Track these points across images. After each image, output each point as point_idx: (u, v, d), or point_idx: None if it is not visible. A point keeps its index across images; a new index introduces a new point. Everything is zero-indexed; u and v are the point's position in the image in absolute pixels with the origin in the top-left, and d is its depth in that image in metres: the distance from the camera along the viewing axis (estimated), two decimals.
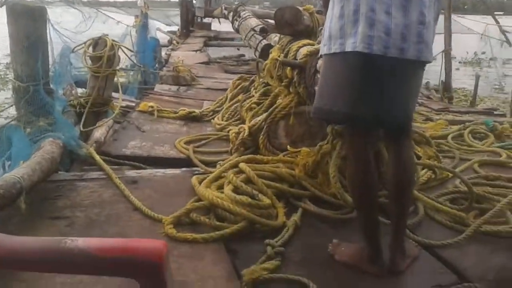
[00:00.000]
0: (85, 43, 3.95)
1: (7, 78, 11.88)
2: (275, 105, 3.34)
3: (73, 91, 4.57)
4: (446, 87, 9.07)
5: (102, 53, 3.85)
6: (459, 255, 2.30)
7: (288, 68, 3.02)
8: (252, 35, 5.50)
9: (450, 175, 3.07)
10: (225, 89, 5.30)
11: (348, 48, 1.92)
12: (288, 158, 2.97)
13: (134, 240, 1.08)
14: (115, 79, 4.51)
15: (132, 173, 3.02)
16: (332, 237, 2.36)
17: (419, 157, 3.13)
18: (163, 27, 18.04)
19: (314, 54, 2.87)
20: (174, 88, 6.27)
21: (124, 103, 4.84)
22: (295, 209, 2.62)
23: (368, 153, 2.09)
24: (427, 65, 2.06)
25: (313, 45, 3.09)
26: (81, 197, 2.62)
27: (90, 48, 3.95)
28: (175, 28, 18.08)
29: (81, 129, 3.62)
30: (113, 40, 4.04)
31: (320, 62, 2.58)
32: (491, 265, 2.25)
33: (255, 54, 5.01)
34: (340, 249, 2.26)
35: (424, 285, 2.07)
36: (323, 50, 2.08)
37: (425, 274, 2.15)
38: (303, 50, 3.03)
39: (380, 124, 2.15)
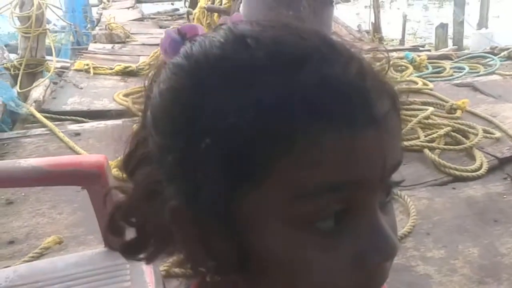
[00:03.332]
0: (11, 3, 3.89)
1: None
2: None
3: (5, 54, 4.50)
4: (375, 28, 9.44)
5: (30, 13, 3.81)
6: None
7: (216, 14, 3.18)
8: None
9: None
10: None
11: None
12: None
13: (79, 155, 1.27)
14: (47, 40, 4.47)
15: (74, 126, 3.13)
16: None
17: None
18: None
19: None
20: (108, 46, 6.22)
21: (59, 64, 4.81)
22: None
23: None
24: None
25: None
26: (27, 152, 2.73)
27: (17, 9, 3.89)
28: None
29: (18, 90, 3.64)
30: None
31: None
32: (404, 174, 2.59)
33: (185, 4, 5.07)
34: None
35: None
36: None
37: None
38: None
39: None
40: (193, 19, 3.78)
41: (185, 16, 5.40)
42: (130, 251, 0.44)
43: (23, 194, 2.28)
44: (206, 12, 3.36)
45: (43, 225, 2.08)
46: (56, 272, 1.16)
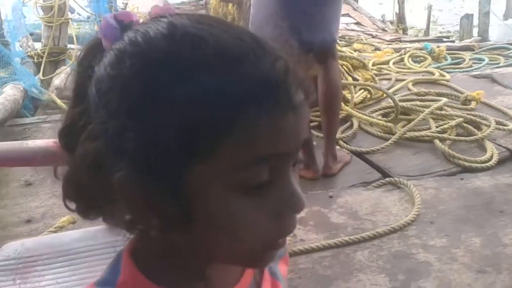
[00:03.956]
0: None
1: None
2: None
3: (29, 43, 4.64)
4: (399, 19, 9.31)
5: (53, 3, 3.93)
6: (385, 158, 2.67)
7: (230, 5, 3.22)
8: None
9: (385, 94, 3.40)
10: None
11: None
12: None
13: None
14: (69, 30, 4.59)
15: None
16: None
17: (357, 80, 3.44)
18: None
19: None
20: None
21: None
22: None
23: None
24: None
25: None
26: (46, 136, 2.84)
27: None
28: None
29: (41, 77, 3.77)
30: None
31: None
32: (412, 164, 2.62)
33: None
34: None
35: (352, 182, 2.43)
36: None
37: (354, 175, 2.51)
38: None
39: (306, 47, 2.40)
40: (210, 8, 3.83)
41: (203, 5, 5.45)
42: (83, 214, 0.50)
43: (41, 176, 2.39)
44: (221, 2, 3.41)
45: (58, 205, 2.17)
46: (61, 246, 1.23)
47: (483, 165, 2.52)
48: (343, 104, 3.09)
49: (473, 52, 5.12)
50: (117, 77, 0.44)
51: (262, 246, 0.47)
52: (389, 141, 2.73)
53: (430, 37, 8.01)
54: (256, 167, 0.44)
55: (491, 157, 2.58)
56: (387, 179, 2.40)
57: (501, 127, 2.90)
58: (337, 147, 2.69)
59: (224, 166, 0.43)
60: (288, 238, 1.80)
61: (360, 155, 2.69)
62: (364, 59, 4.09)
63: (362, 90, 3.37)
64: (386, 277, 1.75)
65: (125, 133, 0.43)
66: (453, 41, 7.68)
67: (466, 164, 2.53)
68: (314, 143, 2.58)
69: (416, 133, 2.81)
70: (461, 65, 4.54)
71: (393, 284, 1.72)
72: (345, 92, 3.22)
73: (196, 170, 0.43)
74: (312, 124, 2.79)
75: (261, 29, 2.26)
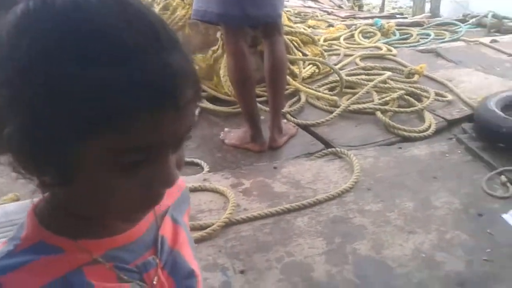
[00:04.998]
0: None
1: None
2: (172, 18, 3.53)
3: None
4: None
5: None
6: (329, 130, 2.76)
7: None
8: None
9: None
10: None
11: None
12: None
13: None
14: None
15: None
16: (224, 127, 2.73)
17: (306, 55, 3.50)
18: None
19: None
20: None
21: None
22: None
23: (242, 48, 2.39)
24: None
25: None
26: None
27: None
28: None
29: None
30: None
31: None
32: (354, 135, 2.72)
33: None
34: (229, 134, 2.63)
35: (296, 154, 2.51)
36: None
37: (299, 146, 2.59)
38: None
39: (251, 22, 2.44)
40: None
41: None
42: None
43: None
44: None
45: (2, 183, 2.17)
46: (5, 216, 1.26)
47: (421, 134, 2.65)
48: (291, 79, 3.16)
49: (421, 28, 5.27)
50: (14, 51, 0.46)
51: (130, 210, 0.55)
52: (334, 114, 2.82)
53: (384, 14, 8.17)
54: (134, 152, 0.48)
55: (429, 126, 2.71)
56: (329, 149, 2.49)
57: (440, 98, 3.04)
58: (284, 120, 2.76)
59: (103, 147, 0.47)
60: (231, 208, 1.86)
61: (306, 127, 2.77)
62: (316, 35, 4.15)
63: (310, 65, 3.44)
64: (323, 240, 1.85)
65: (13, 101, 0.46)
66: (406, 17, 7.85)
67: (405, 134, 2.65)
68: (262, 117, 2.65)
69: (360, 106, 2.91)
70: (408, 40, 4.68)
71: (330, 247, 1.81)
72: (293, 67, 3.28)
73: (76, 146, 0.47)
74: (259, 99, 2.85)
75: (207, 4, 2.28)
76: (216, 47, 3.10)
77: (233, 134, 2.62)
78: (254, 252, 1.77)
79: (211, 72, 3.12)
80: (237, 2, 2.25)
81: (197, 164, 2.38)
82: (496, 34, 5.19)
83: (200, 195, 2.07)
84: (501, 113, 2.56)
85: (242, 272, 1.67)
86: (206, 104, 2.98)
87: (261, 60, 2.63)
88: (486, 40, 4.54)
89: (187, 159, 2.39)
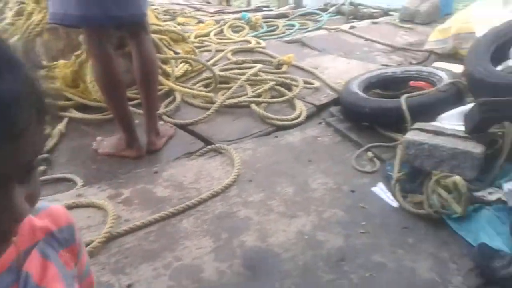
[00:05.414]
0: None
1: None
2: (28, 23, 3.25)
3: None
4: None
5: None
6: (207, 127, 2.76)
7: None
8: None
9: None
10: None
11: None
12: (46, 73, 3.00)
13: None
14: None
15: None
16: (96, 136, 2.59)
17: (177, 53, 3.45)
18: None
19: None
20: None
21: None
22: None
23: (107, 50, 2.27)
24: None
25: None
26: None
27: None
28: None
29: None
30: None
31: None
32: (232, 129, 2.75)
33: None
34: (103, 143, 2.50)
35: (177, 155, 2.47)
36: None
37: (179, 147, 2.55)
38: None
39: (114, 22, 2.32)
40: None
41: None
42: None
43: None
44: None
45: None
46: None
47: (294, 122, 2.77)
48: (164, 79, 3.10)
49: (287, 19, 5.50)
50: None
51: None
52: (210, 110, 2.82)
53: (251, 7, 8.38)
54: None
55: (300, 113, 2.85)
56: (209, 146, 2.49)
57: (308, 86, 3.20)
58: (161, 122, 2.70)
59: None
60: (111, 221, 1.76)
61: (184, 127, 2.74)
62: (187, 32, 4.12)
63: (183, 64, 3.41)
64: (210, 238, 1.84)
65: None
66: (272, 10, 8.14)
67: (279, 123, 2.75)
68: (137, 121, 2.56)
69: (235, 100, 2.95)
70: (275, 32, 4.85)
71: (217, 244, 1.81)
72: (166, 67, 3.22)
73: None
74: (132, 102, 2.75)
75: (66, 7, 2.12)
76: (80, 51, 2.92)
77: (106, 143, 2.49)
78: (140, 263, 1.70)
79: (77, 78, 2.94)
80: (98, 3, 2.13)
81: (69, 180, 2.23)
82: (354, 20, 5.61)
83: (75, 213, 1.94)
84: (362, 94, 2.77)
85: (129, 286, 1.60)
86: (73, 113, 2.81)
87: (131, 62, 2.53)
88: (346, 27, 4.87)
89: (57, 176, 2.23)
